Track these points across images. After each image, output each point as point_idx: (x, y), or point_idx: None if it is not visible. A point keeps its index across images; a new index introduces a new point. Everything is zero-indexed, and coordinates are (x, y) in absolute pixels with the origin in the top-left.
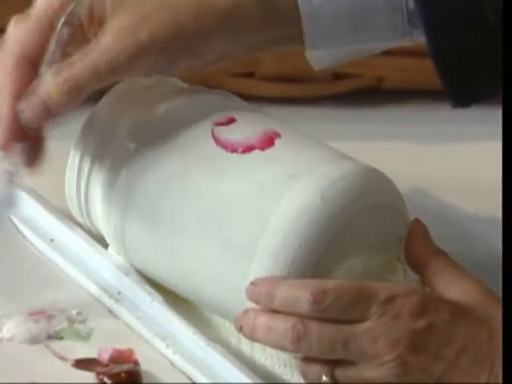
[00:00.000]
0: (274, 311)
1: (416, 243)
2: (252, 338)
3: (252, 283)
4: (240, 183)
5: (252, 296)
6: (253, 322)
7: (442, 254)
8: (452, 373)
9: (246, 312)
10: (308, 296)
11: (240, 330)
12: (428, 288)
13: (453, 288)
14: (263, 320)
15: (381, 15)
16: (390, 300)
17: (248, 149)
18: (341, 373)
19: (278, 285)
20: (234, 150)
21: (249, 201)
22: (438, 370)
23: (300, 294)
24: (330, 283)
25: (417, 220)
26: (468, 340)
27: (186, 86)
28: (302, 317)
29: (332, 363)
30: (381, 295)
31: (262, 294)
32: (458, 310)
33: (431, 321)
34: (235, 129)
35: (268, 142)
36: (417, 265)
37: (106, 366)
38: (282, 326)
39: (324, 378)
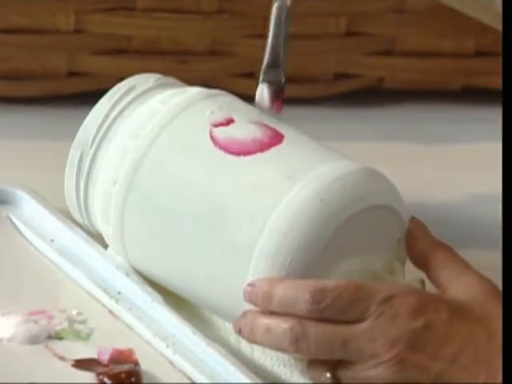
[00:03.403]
0: (273, 312)
1: (416, 239)
2: (251, 339)
3: (249, 284)
4: (238, 184)
5: (250, 297)
6: (251, 324)
7: (443, 247)
8: (450, 372)
9: (244, 314)
10: (306, 296)
11: (239, 332)
12: (432, 283)
13: (456, 284)
14: (261, 321)
15: None
16: (388, 300)
17: (246, 150)
18: (341, 372)
19: (275, 285)
20: (232, 152)
21: (247, 202)
22: (435, 368)
23: (298, 295)
24: (328, 283)
25: (414, 218)
26: (466, 340)
27: (185, 86)
28: (300, 317)
29: (333, 362)
30: (379, 295)
31: (260, 295)
32: (457, 310)
33: (429, 320)
34: (234, 130)
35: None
36: (419, 260)
37: (106, 366)
38: (281, 327)
39: (327, 375)
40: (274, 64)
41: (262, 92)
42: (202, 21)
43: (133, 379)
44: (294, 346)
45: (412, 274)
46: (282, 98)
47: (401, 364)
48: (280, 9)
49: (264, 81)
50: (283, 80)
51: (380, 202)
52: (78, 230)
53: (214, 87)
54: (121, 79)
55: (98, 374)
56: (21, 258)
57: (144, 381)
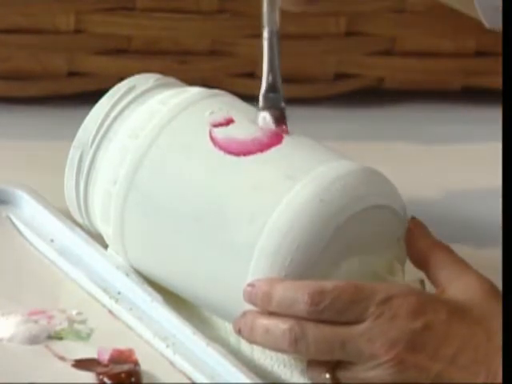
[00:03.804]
0: (272, 313)
1: (416, 239)
2: (250, 340)
3: (249, 285)
4: (238, 185)
5: (249, 297)
6: (251, 324)
7: (443, 247)
8: (449, 372)
9: (243, 314)
10: (305, 297)
11: (238, 332)
12: (431, 283)
13: (455, 284)
14: (261, 322)
15: None
16: (387, 300)
17: (246, 150)
18: (341, 373)
19: (275, 286)
20: (232, 152)
21: (247, 202)
22: (435, 369)
23: (297, 296)
24: (327, 284)
25: (413, 218)
26: (465, 340)
27: (185, 86)
28: (299, 318)
29: (333, 363)
30: (378, 296)
31: (260, 296)
32: (456, 310)
33: (429, 321)
34: (233, 130)
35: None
36: (419, 260)
37: (106, 366)
38: (280, 327)
39: (327, 376)
40: (272, 89)
41: (265, 119)
42: (202, 21)
43: (133, 379)
44: (293, 346)
45: (412, 274)
46: (285, 122)
47: (400, 365)
48: (271, 33)
49: (265, 108)
50: (283, 104)
51: (380, 202)
52: (77, 230)
53: (214, 87)
54: (121, 79)
55: (98, 374)
56: (21, 258)
57: (144, 381)
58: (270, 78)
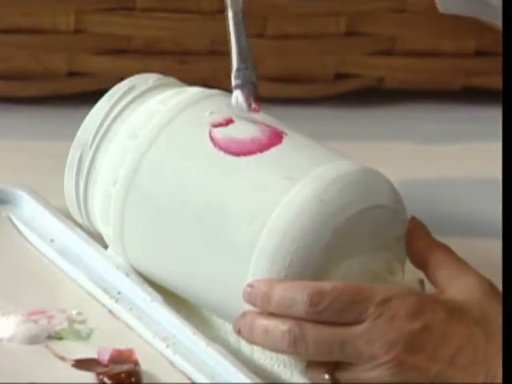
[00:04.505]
0: (271, 313)
1: (415, 239)
2: (250, 340)
3: (249, 285)
4: (238, 185)
5: (249, 298)
6: (250, 325)
7: (442, 247)
8: (448, 373)
9: (243, 314)
10: (304, 298)
11: (238, 332)
12: (431, 283)
13: (454, 284)
14: (260, 322)
15: None
16: (386, 301)
17: (246, 150)
18: (340, 374)
19: (274, 287)
20: (231, 152)
21: (246, 202)
22: (434, 370)
23: (296, 296)
24: (326, 285)
25: (413, 218)
26: (464, 340)
27: (184, 86)
28: (298, 319)
29: (332, 363)
30: (377, 296)
31: (259, 296)
32: (455, 311)
33: (427, 321)
34: (233, 130)
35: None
36: (419, 260)
37: (106, 366)
38: (279, 328)
39: (326, 377)
40: (242, 67)
41: (237, 98)
42: (202, 21)
43: (133, 379)
44: (293, 347)
45: (412, 274)
46: (256, 98)
47: (399, 366)
48: (235, 14)
49: (237, 86)
50: (255, 79)
51: (380, 202)
52: (78, 230)
53: (213, 87)
54: (121, 79)
55: (98, 374)
56: (21, 258)
57: (144, 381)
58: (239, 56)
